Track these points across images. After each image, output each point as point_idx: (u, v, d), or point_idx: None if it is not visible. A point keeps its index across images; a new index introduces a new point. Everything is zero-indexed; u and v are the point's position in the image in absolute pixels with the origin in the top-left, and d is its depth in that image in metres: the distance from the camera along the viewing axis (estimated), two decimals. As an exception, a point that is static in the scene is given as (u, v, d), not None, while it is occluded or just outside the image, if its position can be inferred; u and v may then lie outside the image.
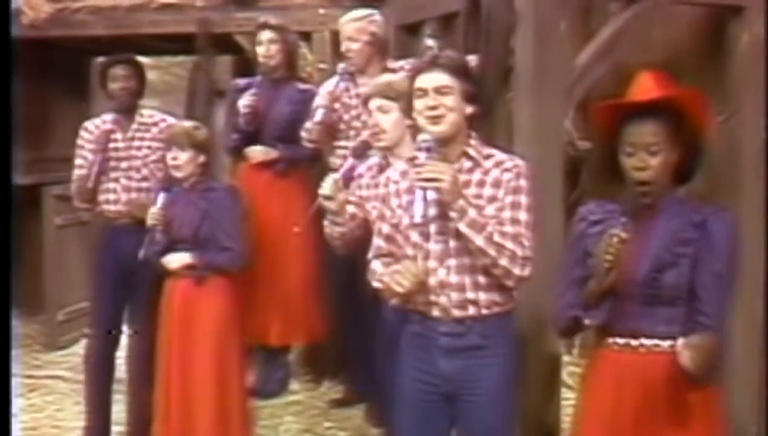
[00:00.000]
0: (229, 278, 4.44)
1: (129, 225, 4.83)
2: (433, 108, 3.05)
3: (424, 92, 3.08)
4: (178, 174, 4.45)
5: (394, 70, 4.91)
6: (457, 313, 3.06)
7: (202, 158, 4.44)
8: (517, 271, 3.01)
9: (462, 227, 2.97)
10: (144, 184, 4.89)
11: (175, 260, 4.41)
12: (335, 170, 4.96)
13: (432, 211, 2.98)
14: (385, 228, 3.21)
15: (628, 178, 2.88)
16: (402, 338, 3.18)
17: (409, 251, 3.11)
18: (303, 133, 5.00)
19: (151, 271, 4.56)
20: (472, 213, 2.97)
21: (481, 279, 3.05)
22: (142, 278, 4.71)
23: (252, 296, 4.92)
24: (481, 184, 3.08)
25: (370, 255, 3.24)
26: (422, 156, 3.03)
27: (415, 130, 3.97)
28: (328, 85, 4.95)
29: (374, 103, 3.95)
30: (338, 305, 5.03)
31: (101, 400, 4.94)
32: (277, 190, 5.20)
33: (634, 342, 2.88)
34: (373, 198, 4.00)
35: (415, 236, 3.09)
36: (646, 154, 2.83)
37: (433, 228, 3.04)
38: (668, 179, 2.89)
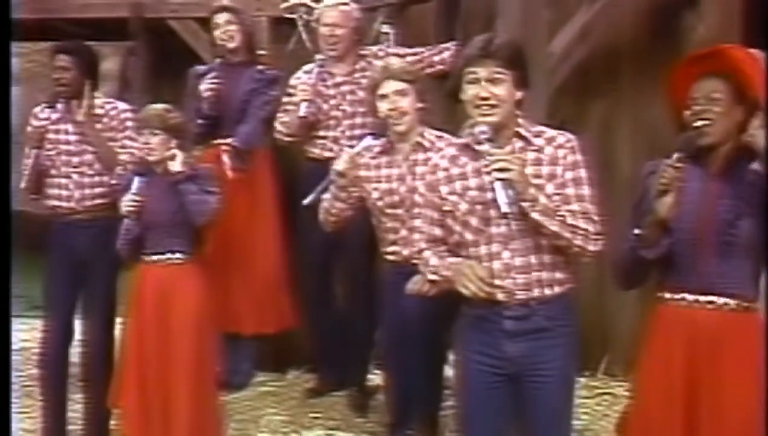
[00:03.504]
0: (204, 264, 4.34)
1: (82, 221, 4.66)
2: (485, 99, 3.01)
3: (477, 81, 3.02)
4: (152, 158, 4.32)
5: (366, 56, 4.90)
6: (521, 295, 3.05)
7: (174, 142, 4.33)
8: (591, 247, 3.02)
9: (536, 215, 2.97)
10: (97, 179, 4.67)
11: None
12: (315, 159, 4.91)
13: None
14: (437, 215, 3.16)
15: (689, 124, 2.99)
16: (461, 320, 3.16)
17: (469, 237, 3.08)
18: (280, 127, 4.91)
19: (105, 264, 4.48)
20: (543, 200, 2.97)
21: (546, 258, 3.05)
22: (96, 272, 4.59)
23: (221, 284, 4.81)
24: (537, 162, 3.06)
25: (421, 243, 3.18)
26: (485, 146, 3.00)
27: (425, 114, 4.02)
28: (307, 78, 4.83)
29: (389, 88, 3.92)
30: (313, 292, 4.97)
31: (58, 397, 4.73)
32: (243, 176, 5.07)
33: (702, 299, 2.97)
34: (374, 179, 4.04)
35: (474, 221, 3.06)
36: (706, 101, 2.97)
37: (493, 212, 3.02)
38: (733, 136, 3.00)
